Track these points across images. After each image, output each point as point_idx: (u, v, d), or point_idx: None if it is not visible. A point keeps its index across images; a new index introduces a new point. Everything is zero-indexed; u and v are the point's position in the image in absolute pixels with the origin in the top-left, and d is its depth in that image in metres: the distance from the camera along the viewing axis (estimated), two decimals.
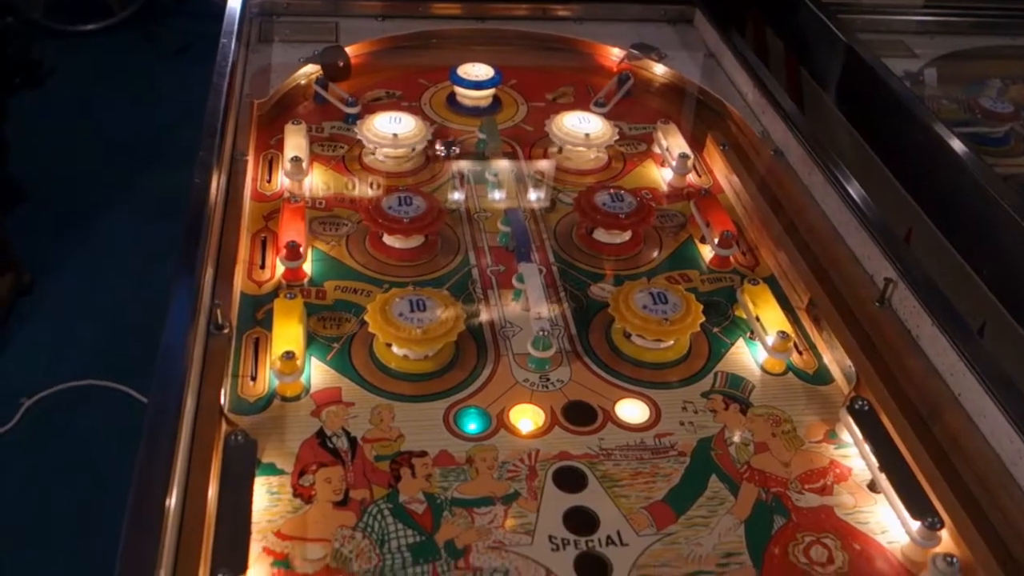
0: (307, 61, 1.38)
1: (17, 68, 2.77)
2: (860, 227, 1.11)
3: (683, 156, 1.29)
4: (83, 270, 2.59)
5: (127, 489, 0.67)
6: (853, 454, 0.87)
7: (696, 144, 1.36)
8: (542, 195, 1.22)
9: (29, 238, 2.54)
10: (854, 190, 1.15)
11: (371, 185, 1.19)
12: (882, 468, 0.82)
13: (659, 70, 1.54)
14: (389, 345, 0.93)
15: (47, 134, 3.11)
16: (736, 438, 0.88)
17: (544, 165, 1.30)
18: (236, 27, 1.35)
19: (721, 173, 1.32)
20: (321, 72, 1.39)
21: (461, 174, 1.25)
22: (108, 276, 2.55)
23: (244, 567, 0.69)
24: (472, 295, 1.04)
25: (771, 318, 1.00)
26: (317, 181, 1.20)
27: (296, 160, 1.17)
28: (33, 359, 2.21)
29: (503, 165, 1.26)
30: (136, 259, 2.61)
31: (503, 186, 1.21)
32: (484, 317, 1.01)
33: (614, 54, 1.58)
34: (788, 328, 0.99)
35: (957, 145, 1.26)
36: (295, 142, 1.22)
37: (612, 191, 1.16)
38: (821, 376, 0.97)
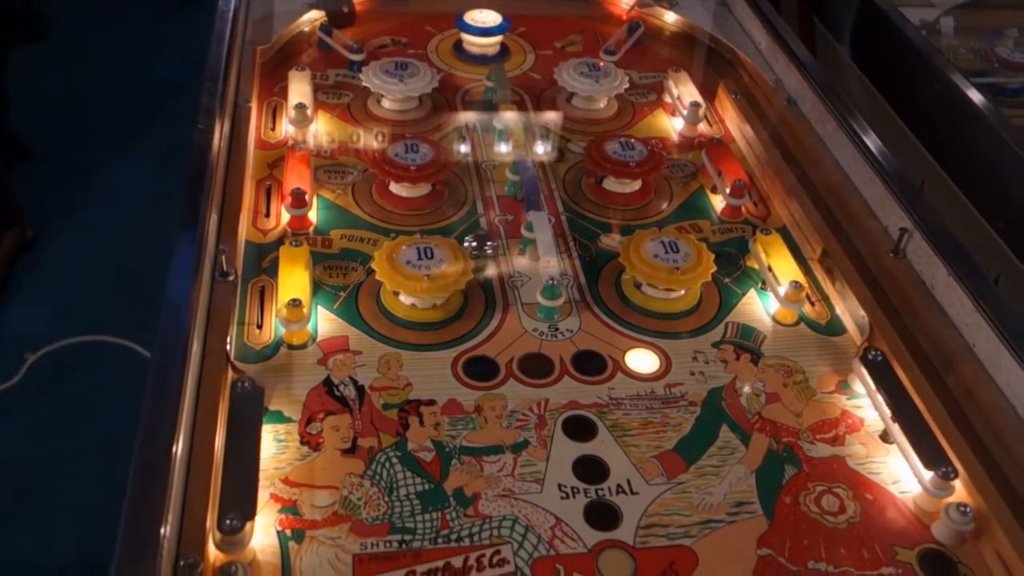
0: (311, 7, 1.35)
1: (17, 22, 2.73)
2: (875, 176, 1.09)
3: (694, 105, 1.27)
4: (86, 225, 2.57)
5: (134, 440, 0.67)
6: (866, 404, 0.86)
7: (708, 93, 1.34)
8: (550, 147, 1.20)
9: (32, 193, 2.52)
10: (869, 139, 1.13)
11: (376, 136, 1.17)
12: (895, 418, 0.81)
13: (670, 18, 1.51)
14: (396, 294, 0.92)
15: (49, 88, 3.07)
16: (747, 389, 0.87)
17: (552, 115, 1.28)
18: None
19: (733, 123, 1.29)
20: (325, 18, 1.36)
21: (468, 123, 1.23)
22: (112, 231, 2.53)
23: (253, 512, 0.68)
24: (481, 244, 1.02)
25: (784, 268, 0.99)
26: (322, 129, 1.18)
27: (300, 107, 1.14)
28: (37, 314, 2.20)
29: (511, 115, 1.23)
30: (140, 214, 2.59)
31: (511, 136, 1.19)
32: (493, 266, 0.99)
33: (624, 1, 1.54)
34: (801, 278, 0.97)
35: (974, 95, 1.23)
36: (299, 89, 1.20)
37: (622, 140, 1.14)
38: (833, 327, 0.96)
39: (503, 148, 1.18)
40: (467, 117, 1.24)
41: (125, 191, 2.71)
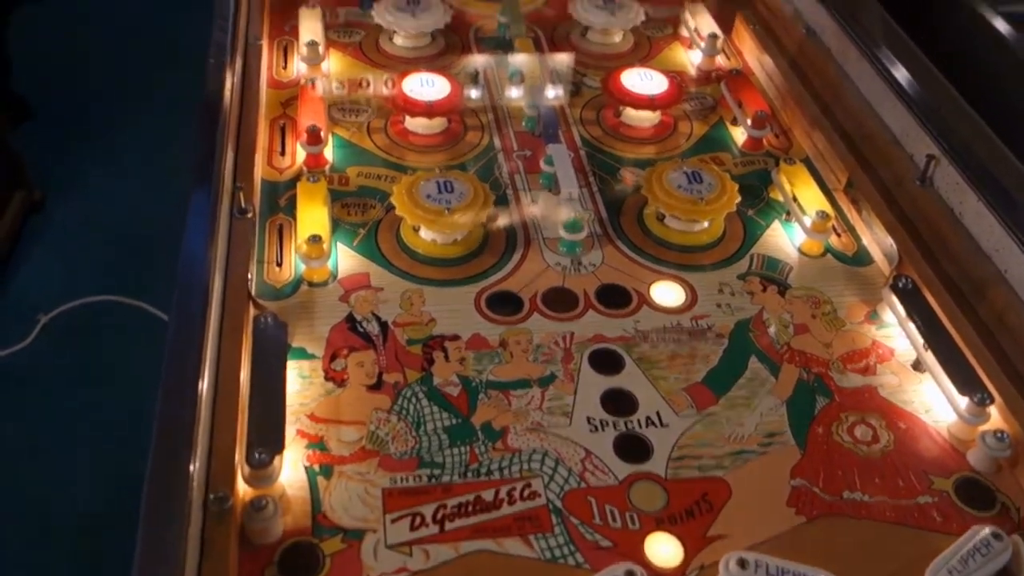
0: None
1: None
2: (898, 103, 1.06)
3: (712, 36, 1.24)
4: (94, 185, 2.55)
5: (146, 398, 0.66)
6: (896, 334, 0.85)
7: (725, 25, 1.30)
8: (561, 92, 1.16)
9: (39, 154, 2.50)
10: (893, 67, 1.10)
11: (386, 83, 1.13)
12: (927, 346, 0.80)
13: None
14: (416, 229, 0.90)
15: (51, 48, 3.02)
16: (774, 319, 0.86)
17: (567, 51, 1.25)
18: None
19: (752, 54, 1.26)
20: None
21: (482, 60, 1.20)
22: (119, 190, 2.51)
23: (281, 446, 0.67)
24: (499, 181, 1.01)
25: (809, 198, 0.97)
26: (334, 67, 1.16)
27: (312, 44, 1.12)
28: (47, 276, 2.19)
29: (525, 50, 1.20)
30: (147, 171, 2.57)
31: (526, 72, 1.16)
32: (512, 201, 0.98)
33: None
34: (827, 208, 0.95)
35: (1000, 25, 1.20)
36: (310, 26, 1.17)
37: (640, 71, 1.11)
38: (861, 257, 0.94)
39: (518, 87, 1.15)
40: (481, 53, 1.21)
41: (131, 149, 2.68)
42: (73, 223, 2.40)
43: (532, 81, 1.14)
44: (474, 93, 1.13)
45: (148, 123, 2.79)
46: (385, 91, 1.11)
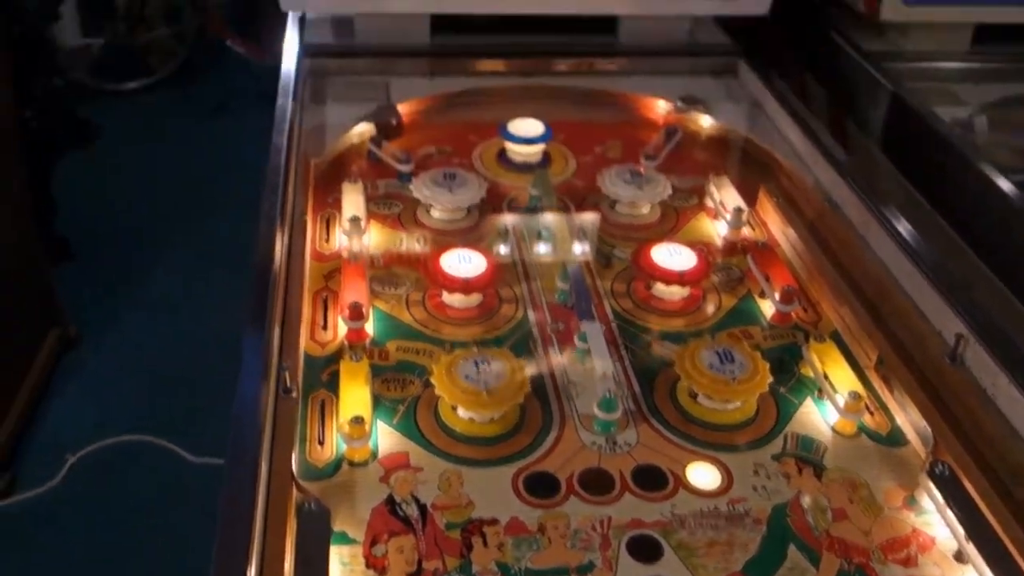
0: (362, 120, 1.39)
1: (67, 129, 2.83)
2: (923, 280, 1.09)
3: (737, 210, 1.28)
4: (127, 324, 2.62)
5: (172, 544, 0.67)
6: (935, 522, 0.85)
7: (748, 196, 1.35)
8: (589, 248, 1.21)
9: (75, 293, 2.58)
10: (914, 241, 1.14)
11: (418, 240, 1.18)
12: (968, 536, 0.80)
13: (705, 122, 1.54)
14: (454, 408, 0.92)
15: (92, 191, 3.16)
16: (812, 504, 0.86)
17: (596, 220, 1.30)
18: (292, 87, 1.37)
19: (776, 226, 1.31)
20: (375, 130, 1.40)
21: (515, 230, 1.25)
22: (152, 330, 2.58)
23: None
24: (533, 354, 1.03)
25: (841, 377, 0.99)
26: (374, 239, 1.21)
27: (355, 219, 1.17)
28: (79, 414, 2.23)
29: (557, 222, 1.25)
30: (179, 313, 2.64)
31: (557, 243, 1.21)
32: (547, 377, 1.00)
33: (660, 107, 1.58)
34: (859, 388, 0.97)
35: (1016, 194, 1.24)
36: (353, 200, 1.23)
37: (669, 246, 1.15)
38: (895, 437, 0.95)
39: (549, 255, 1.20)
40: (514, 225, 1.26)
41: (165, 291, 2.76)
42: (106, 362, 2.46)
43: (563, 253, 1.18)
44: (503, 249, 1.18)
45: (181, 266, 2.89)
46: (418, 248, 1.16)
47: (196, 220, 3.11)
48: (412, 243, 1.18)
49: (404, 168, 1.32)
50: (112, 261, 2.89)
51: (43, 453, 2.09)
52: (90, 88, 4.08)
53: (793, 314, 1.13)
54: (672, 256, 1.14)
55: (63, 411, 2.24)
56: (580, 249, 1.21)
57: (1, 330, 2.17)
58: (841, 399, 0.95)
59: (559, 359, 1.03)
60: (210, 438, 1.91)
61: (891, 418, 0.97)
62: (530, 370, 0.97)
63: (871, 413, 0.98)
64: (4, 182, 2.26)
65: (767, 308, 1.14)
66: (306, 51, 1.53)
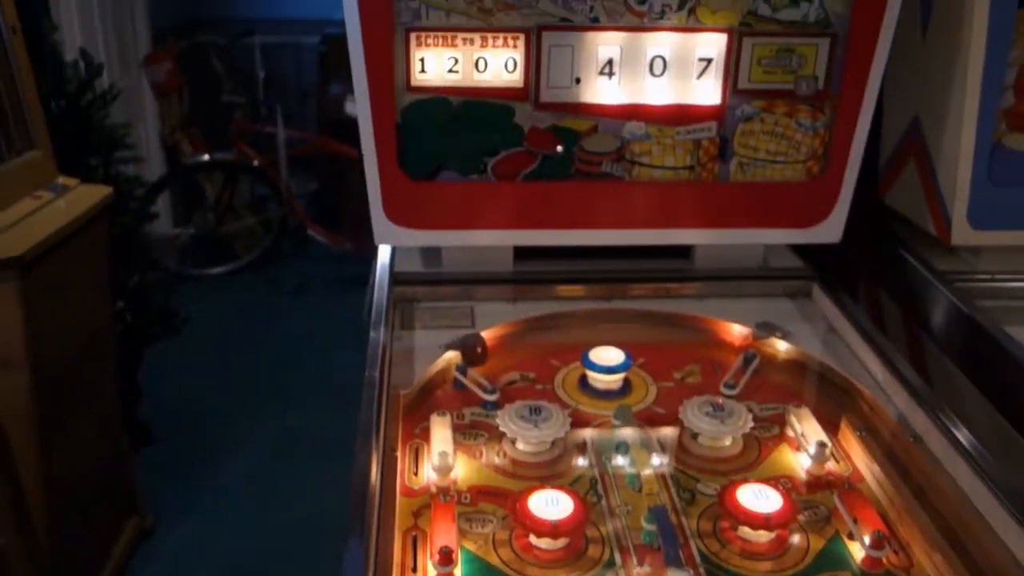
0: (447, 348, 1.46)
1: (156, 318, 2.98)
2: (1020, 528, 1.07)
3: (820, 444, 1.29)
4: (203, 512, 2.66)
5: None
6: None
7: (829, 426, 1.36)
8: (666, 460, 1.22)
9: (153, 480, 2.64)
10: (1005, 483, 1.12)
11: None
12: None
13: (782, 347, 1.57)
14: None
15: (176, 378, 3.29)
16: None
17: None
18: (383, 317, 1.44)
19: (860, 460, 1.30)
20: (460, 358, 1.46)
21: (600, 466, 1.26)
22: (227, 520, 2.61)
23: None
24: None
25: None
26: (461, 471, 1.23)
27: (443, 455, 1.21)
28: None
29: (641, 458, 1.27)
30: (253, 502, 2.68)
31: (642, 482, 1.22)
32: None
33: (736, 331, 1.61)
34: None
35: None
36: (441, 434, 1.27)
37: (755, 487, 1.15)
38: None
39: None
40: (598, 459, 1.28)
41: (241, 479, 2.81)
42: (181, 550, 2.48)
43: (649, 492, 1.20)
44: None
45: (257, 456, 2.94)
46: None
47: (274, 405, 3.20)
48: (499, 479, 1.21)
49: (489, 397, 1.37)
50: (191, 445, 2.97)
51: None
52: (178, 275, 4.32)
53: (884, 559, 1.11)
54: (758, 498, 1.14)
55: None
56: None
57: (83, 521, 2.22)
58: None
59: None
60: None
61: None
62: None
63: None
64: (98, 380, 2.37)
65: (856, 550, 1.13)
66: (396, 279, 1.62)
